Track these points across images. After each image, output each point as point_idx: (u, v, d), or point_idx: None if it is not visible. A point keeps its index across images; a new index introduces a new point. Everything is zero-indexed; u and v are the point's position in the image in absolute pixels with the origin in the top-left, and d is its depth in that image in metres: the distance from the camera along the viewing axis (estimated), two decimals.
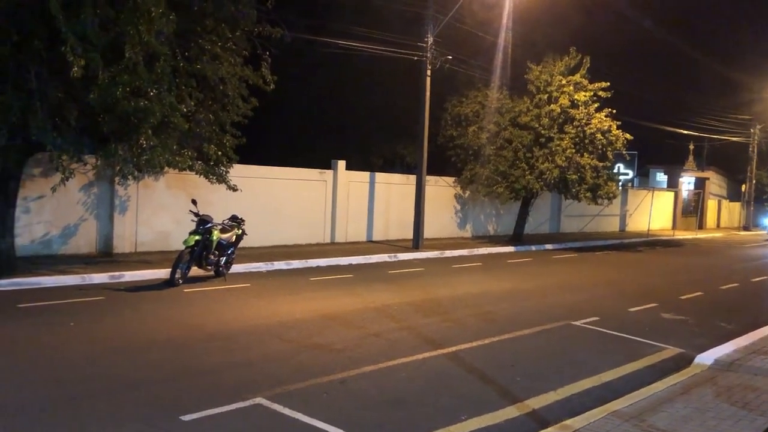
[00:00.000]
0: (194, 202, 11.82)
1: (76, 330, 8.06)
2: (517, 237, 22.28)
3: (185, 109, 10.85)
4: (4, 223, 10.96)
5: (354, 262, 15.40)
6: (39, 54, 9.43)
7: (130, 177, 12.02)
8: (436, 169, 20.91)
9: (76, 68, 8.73)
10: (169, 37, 10.02)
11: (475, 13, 19.63)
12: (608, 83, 21.17)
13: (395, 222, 20.09)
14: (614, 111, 21.30)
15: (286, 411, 5.59)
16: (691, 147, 39.60)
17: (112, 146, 10.44)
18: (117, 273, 11.62)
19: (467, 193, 22.34)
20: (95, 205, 13.83)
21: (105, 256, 13.53)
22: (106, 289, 10.59)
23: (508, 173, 20.74)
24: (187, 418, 5.31)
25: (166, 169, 12.03)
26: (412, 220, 18.65)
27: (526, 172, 20.62)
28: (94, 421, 5.22)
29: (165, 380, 6.29)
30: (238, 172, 13.49)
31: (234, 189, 12.68)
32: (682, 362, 7.86)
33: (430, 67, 17.82)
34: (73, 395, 5.76)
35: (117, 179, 13.38)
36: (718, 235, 35.26)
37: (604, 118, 20.99)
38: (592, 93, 21.05)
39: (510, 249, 20.27)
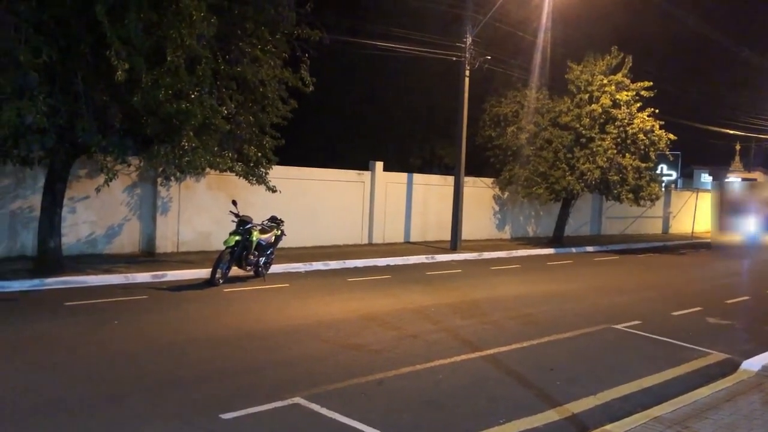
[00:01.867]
0: (234, 203, 11.99)
1: (120, 328, 8.24)
2: (557, 239, 22.00)
3: (226, 111, 11.01)
4: (52, 223, 11.26)
5: (391, 263, 15.41)
6: (85, 58, 9.68)
7: (172, 178, 12.28)
8: (475, 170, 20.80)
9: (120, 72, 8.93)
10: (210, 40, 10.18)
11: (514, 13, 19.46)
12: (651, 83, 20.77)
13: (433, 223, 20.03)
14: (657, 111, 20.88)
15: (324, 411, 5.62)
16: (738, 147, 38.55)
17: (155, 148, 10.64)
18: (159, 272, 11.85)
19: (506, 194, 22.15)
20: (138, 206, 14.12)
21: (148, 256, 13.81)
22: (149, 289, 10.81)
23: (548, 174, 20.50)
24: (226, 416, 5.38)
25: (207, 170, 12.21)
26: (450, 221, 18.57)
27: (567, 173, 20.35)
28: (136, 417, 5.33)
29: (205, 378, 6.38)
30: (277, 173, 13.63)
31: (273, 190, 12.81)
32: (727, 368, 7.65)
33: (468, 68, 17.72)
34: (116, 392, 5.89)
35: (159, 180, 13.65)
36: (766, 237, 34.19)
37: (647, 118, 20.58)
38: (634, 93, 20.66)
39: (550, 251, 20.04)
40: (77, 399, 5.67)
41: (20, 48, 8.75)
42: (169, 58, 9.41)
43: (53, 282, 10.55)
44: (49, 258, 11.20)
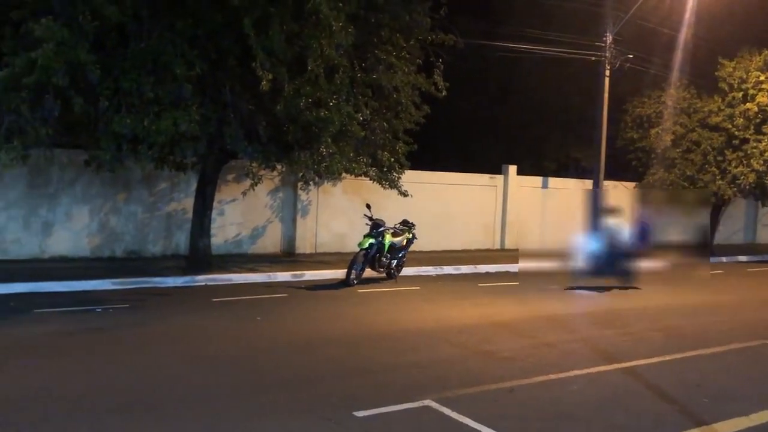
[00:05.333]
0: (368, 206, 12.28)
1: (262, 325, 8.70)
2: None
3: (361, 118, 11.30)
4: (203, 224, 12.09)
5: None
6: (233, 70, 10.32)
7: (311, 182, 12.76)
8: (615, 174, 19.90)
9: (264, 82, 9.44)
10: (348, 49, 10.50)
11: (659, 8, 18.42)
12: None
13: (569, 229, 19.36)
14: None
15: (454, 415, 5.61)
16: None
17: (296, 154, 11.11)
18: (298, 272, 12.39)
19: None
20: (280, 209, 14.84)
21: (288, 256, 14.48)
22: (288, 287, 11.32)
23: (696, 178, 19.21)
24: (360, 414, 5.52)
25: (343, 174, 12.61)
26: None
27: (717, 177, 18.97)
28: (274, 409, 5.59)
29: (339, 376, 6.58)
30: (409, 177, 13.80)
31: (405, 194, 12.97)
32: None
33: (608, 67, 17.04)
34: (257, 384, 6.22)
35: (299, 185, 14.28)
36: None
37: None
38: None
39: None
40: (222, 389, 6.04)
41: (177, 62, 9.49)
42: (309, 68, 9.82)
43: (202, 279, 11.33)
44: (199, 257, 12.03)
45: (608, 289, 12.26)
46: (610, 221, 12.58)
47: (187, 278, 11.27)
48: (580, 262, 12.10)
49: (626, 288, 12.27)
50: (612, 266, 12.24)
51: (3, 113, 8.94)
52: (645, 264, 12.36)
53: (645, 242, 12.65)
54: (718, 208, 20.57)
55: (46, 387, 5.88)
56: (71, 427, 5.06)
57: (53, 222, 12.45)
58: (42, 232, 12.37)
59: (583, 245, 12.19)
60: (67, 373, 6.31)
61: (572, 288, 12.03)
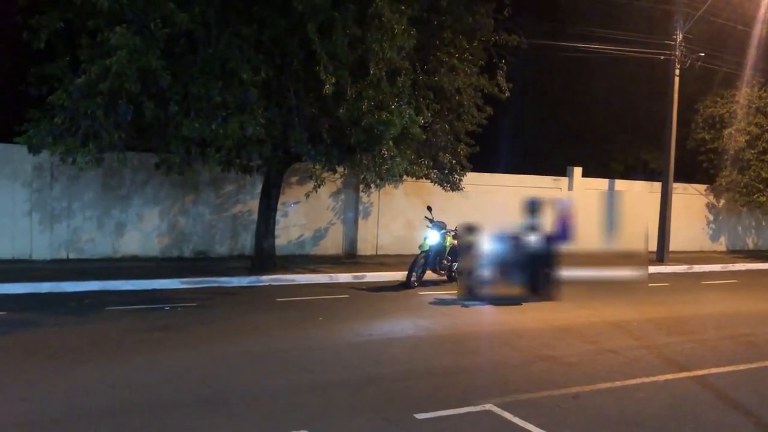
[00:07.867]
0: (429, 208, 12.26)
1: (325, 324, 8.80)
2: None
3: (423, 121, 11.30)
4: (267, 226, 12.33)
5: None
6: (297, 74, 10.48)
7: (372, 185, 12.83)
8: (685, 176, 19.26)
9: (328, 86, 9.56)
10: (410, 52, 10.52)
11: (731, 4, 17.72)
12: None
13: (636, 232, 18.84)
14: None
15: (517, 420, 5.55)
16: None
17: (358, 156, 11.20)
18: (360, 273, 12.49)
19: (721, 202, 20.25)
20: (342, 211, 14.99)
21: (349, 258, 14.60)
22: (350, 288, 11.43)
23: None
24: (420, 416, 5.52)
25: (404, 177, 12.64)
26: (656, 230, 17.37)
27: None
28: (334, 408, 5.66)
29: (400, 377, 6.60)
30: (470, 179, 13.70)
31: (466, 197, 12.89)
32: None
33: (678, 66, 16.50)
34: (319, 383, 6.31)
35: (361, 187, 14.38)
36: None
37: None
38: None
39: None
40: (284, 387, 6.15)
41: (243, 67, 9.72)
42: (371, 71, 9.89)
43: (267, 279, 11.55)
44: (263, 257, 12.27)
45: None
46: (527, 221, 11.30)
47: (253, 278, 11.52)
48: (481, 270, 10.63)
49: (539, 301, 10.67)
50: (519, 275, 10.77)
51: (80, 118, 9.34)
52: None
53: (565, 240, 11.32)
54: None
55: (115, 381, 6.12)
56: (137, 419, 5.25)
57: (125, 222, 12.93)
58: (115, 232, 12.86)
59: (487, 250, 10.77)
60: (136, 369, 6.55)
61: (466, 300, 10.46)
